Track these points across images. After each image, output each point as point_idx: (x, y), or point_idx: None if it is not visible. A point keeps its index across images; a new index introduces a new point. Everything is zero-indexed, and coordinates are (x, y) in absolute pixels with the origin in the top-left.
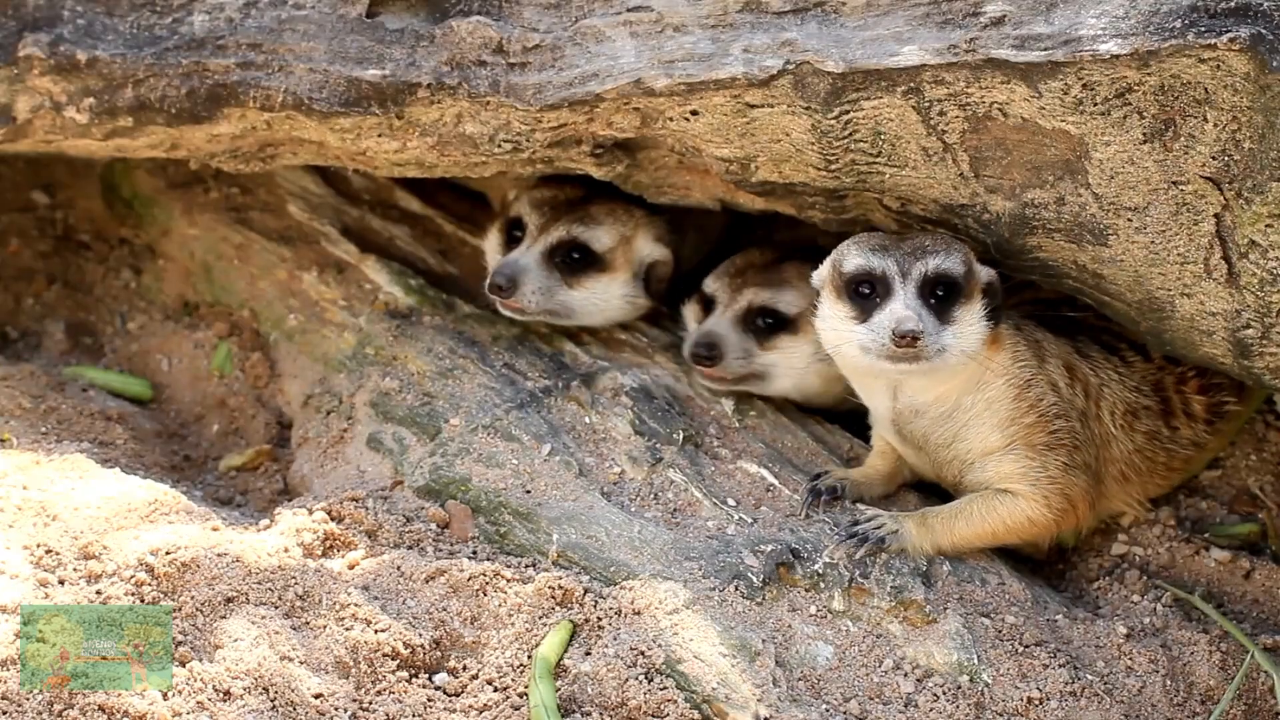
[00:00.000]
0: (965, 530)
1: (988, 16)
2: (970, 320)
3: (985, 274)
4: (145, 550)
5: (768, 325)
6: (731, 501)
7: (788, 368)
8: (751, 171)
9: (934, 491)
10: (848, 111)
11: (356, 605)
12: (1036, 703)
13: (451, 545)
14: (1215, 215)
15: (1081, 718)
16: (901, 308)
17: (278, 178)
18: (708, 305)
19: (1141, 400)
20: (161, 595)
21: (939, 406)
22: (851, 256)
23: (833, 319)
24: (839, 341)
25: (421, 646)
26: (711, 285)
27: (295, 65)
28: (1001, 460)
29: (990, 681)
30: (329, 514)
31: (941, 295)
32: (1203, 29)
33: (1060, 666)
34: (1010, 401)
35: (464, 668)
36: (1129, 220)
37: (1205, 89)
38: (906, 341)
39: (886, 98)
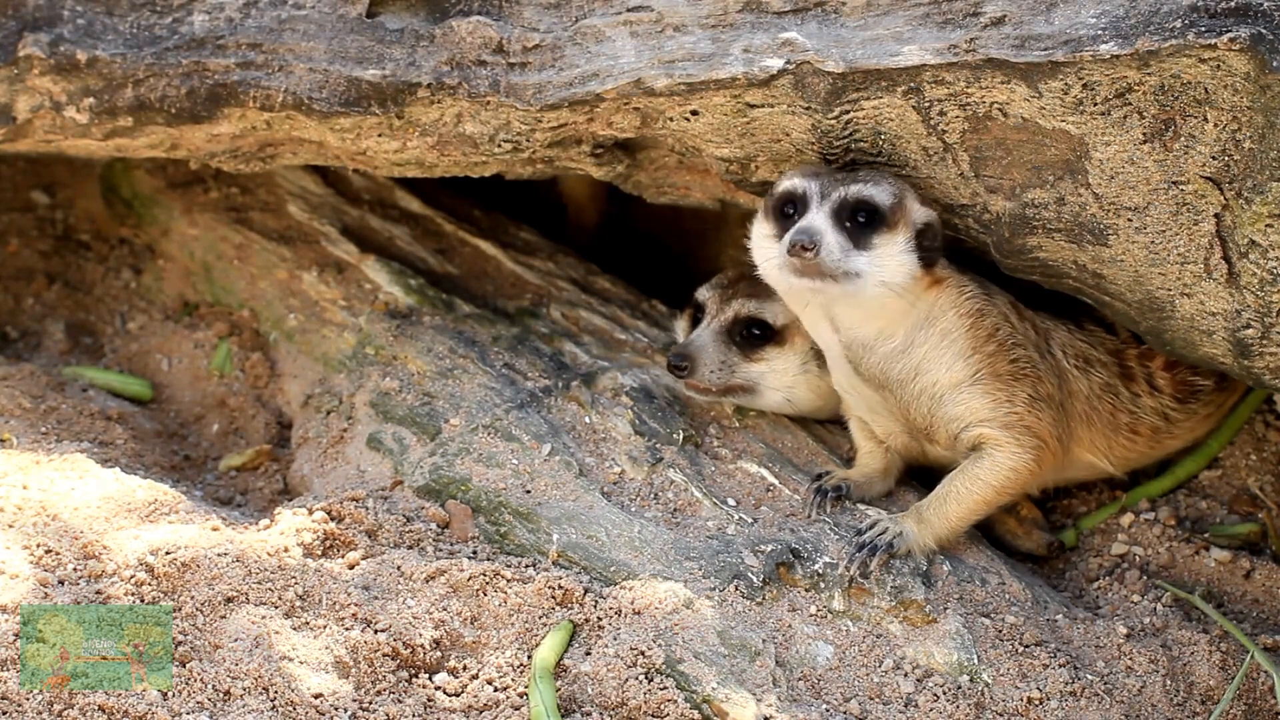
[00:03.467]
0: (958, 509)
1: (988, 16)
2: (892, 252)
3: (922, 214)
4: (145, 550)
5: (754, 336)
6: (731, 501)
7: (775, 379)
8: (751, 171)
9: (930, 487)
10: (848, 111)
11: (356, 605)
12: (1036, 703)
13: (451, 545)
14: (1215, 215)
15: (1081, 718)
16: (805, 222)
17: (278, 178)
18: (698, 315)
19: (1095, 354)
20: (161, 595)
21: (886, 342)
22: (784, 179)
23: (758, 238)
24: (760, 260)
25: (421, 646)
26: (704, 295)
27: (295, 65)
28: (971, 393)
29: (990, 681)
30: (329, 514)
31: (862, 222)
32: (1203, 29)
33: (1060, 666)
34: (967, 331)
35: (464, 668)
36: (1129, 220)
37: (1205, 89)
38: (797, 250)
39: (887, 98)
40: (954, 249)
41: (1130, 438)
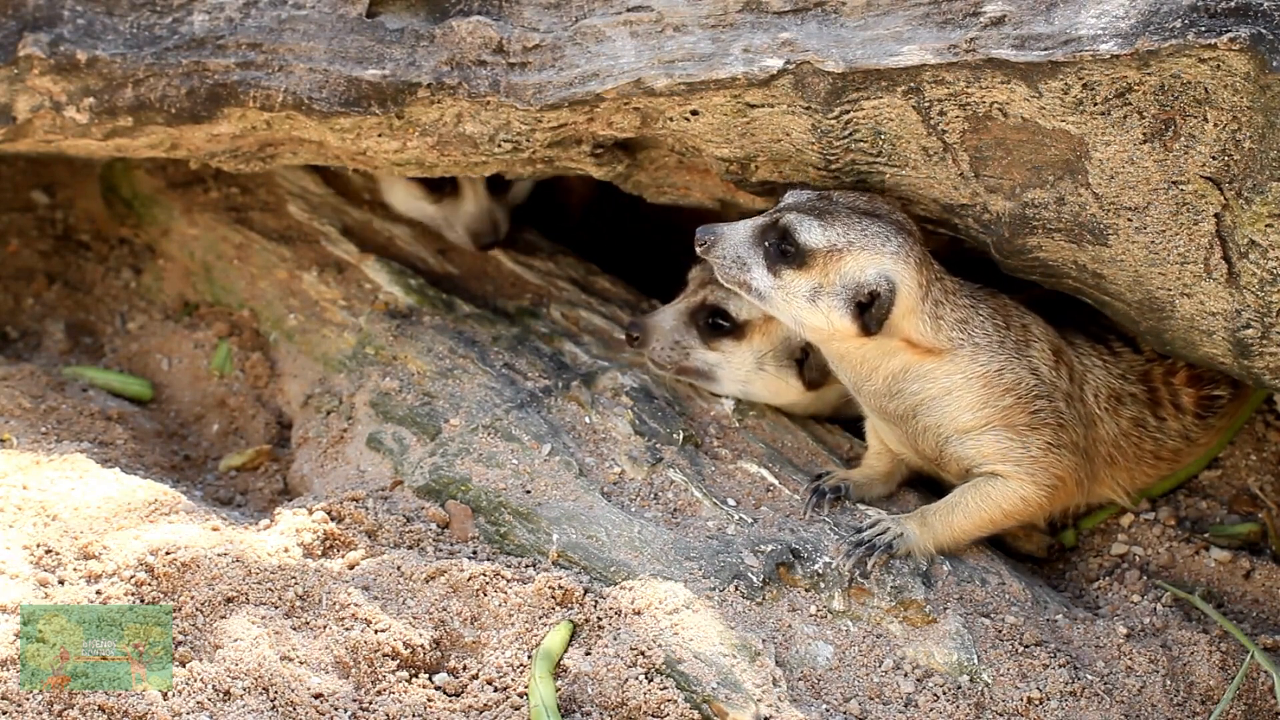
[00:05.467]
0: (964, 522)
1: (988, 16)
2: (798, 292)
3: (871, 276)
4: (145, 550)
5: (715, 325)
6: (731, 501)
7: (729, 371)
8: (751, 171)
9: (934, 491)
10: (848, 111)
11: (356, 605)
12: (1036, 703)
13: (451, 545)
14: (1215, 215)
15: (1081, 718)
16: (725, 225)
17: (278, 178)
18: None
19: (1127, 388)
20: (161, 595)
21: (864, 380)
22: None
23: None
24: None
25: (421, 646)
26: (692, 273)
27: (295, 65)
28: (980, 438)
29: (990, 681)
30: (329, 514)
31: (781, 249)
32: (1203, 29)
33: (1060, 666)
34: (977, 390)
35: (464, 668)
36: (1129, 220)
37: (1205, 89)
38: (695, 242)
39: (887, 98)
40: (955, 252)
41: (1153, 464)
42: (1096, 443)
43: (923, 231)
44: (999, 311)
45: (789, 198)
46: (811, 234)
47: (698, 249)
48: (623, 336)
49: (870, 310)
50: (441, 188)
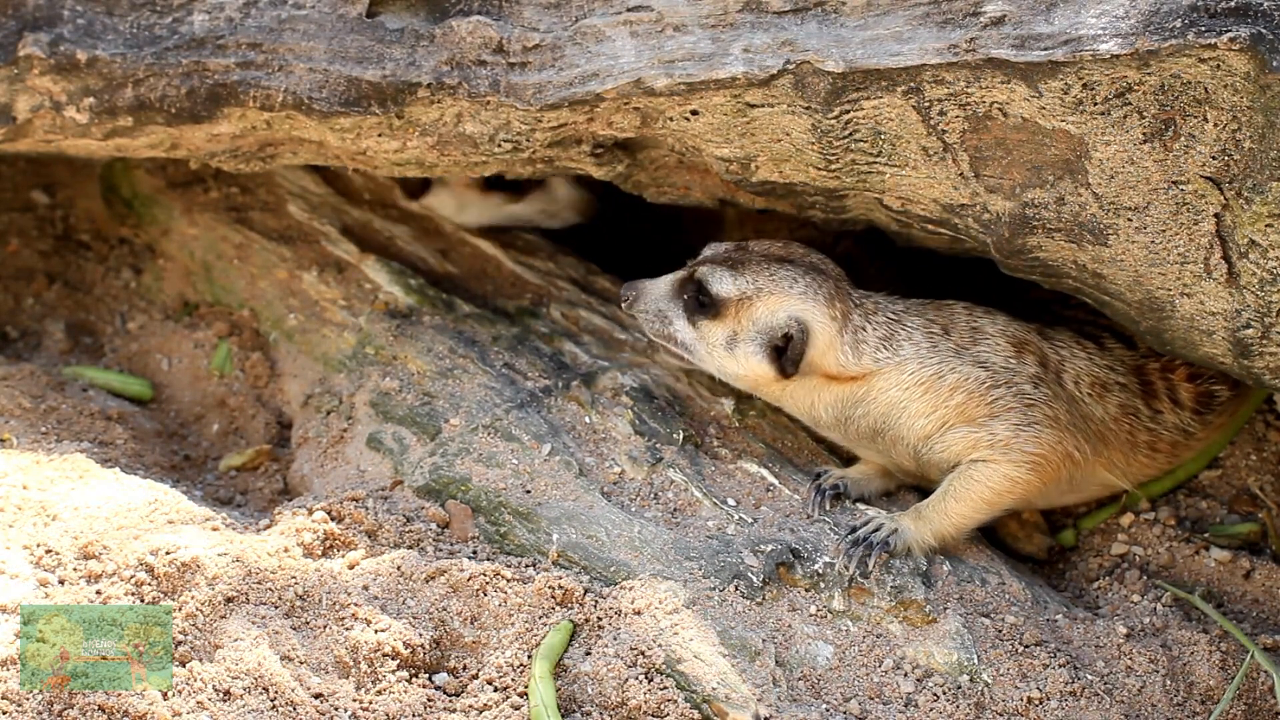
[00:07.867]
0: (959, 508)
1: (988, 16)
2: (715, 341)
3: (782, 320)
4: (145, 550)
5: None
6: (731, 501)
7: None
8: (752, 171)
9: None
10: (848, 111)
11: (356, 605)
12: (1036, 703)
13: (451, 545)
14: (1215, 215)
15: (1081, 718)
16: (649, 279)
17: (278, 178)
18: None
19: (1114, 377)
20: (161, 595)
21: (815, 417)
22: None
23: None
24: None
25: (421, 646)
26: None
27: (295, 65)
28: (945, 438)
29: (990, 681)
30: (329, 514)
31: (699, 300)
32: (1203, 29)
33: (1060, 666)
34: (921, 397)
35: (464, 668)
36: (1129, 220)
37: (1205, 89)
38: (621, 294)
39: (887, 97)
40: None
41: (1149, 455)
42: (1086, 419)
43: (923, 232)
44: (936, 319)
45: (707, 251)
46: (723, 284)
47: (621, 305)
48: (623, 337)
49: (786, 353)
50: (519, 187)
